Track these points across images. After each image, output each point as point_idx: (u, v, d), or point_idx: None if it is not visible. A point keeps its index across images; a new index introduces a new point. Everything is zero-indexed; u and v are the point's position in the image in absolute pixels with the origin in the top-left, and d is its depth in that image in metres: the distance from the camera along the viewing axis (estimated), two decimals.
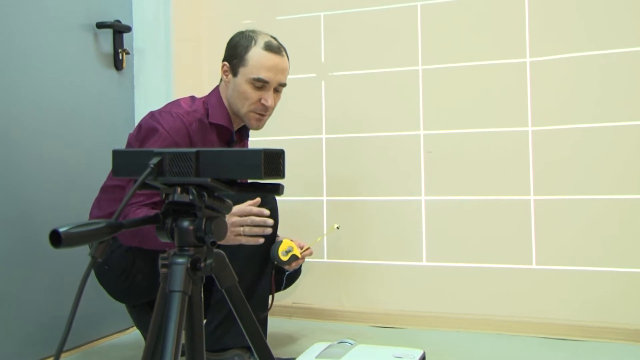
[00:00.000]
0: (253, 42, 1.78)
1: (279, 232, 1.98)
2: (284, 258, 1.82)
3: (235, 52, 1.79)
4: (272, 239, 1.80)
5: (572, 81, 2.20)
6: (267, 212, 1.68)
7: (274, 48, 1.78)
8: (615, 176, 2.14)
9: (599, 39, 2.16)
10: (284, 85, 1.82)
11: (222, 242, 1.56)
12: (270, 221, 1.68)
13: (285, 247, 1.82)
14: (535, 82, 2.24)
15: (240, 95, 1.78)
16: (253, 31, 1.81)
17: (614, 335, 2.08)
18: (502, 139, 2.27)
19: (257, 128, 1.85)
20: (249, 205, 1.66)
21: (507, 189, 2.27)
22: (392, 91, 2.42)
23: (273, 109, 1.83)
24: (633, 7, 2.13)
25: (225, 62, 1.82)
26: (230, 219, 1.60)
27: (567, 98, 2.21)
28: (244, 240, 1.65)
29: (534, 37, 2.24)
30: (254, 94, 1.77)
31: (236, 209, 1.63)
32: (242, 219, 1.64)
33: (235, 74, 1.79)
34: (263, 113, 1.80)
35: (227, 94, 1.82)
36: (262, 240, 1.67)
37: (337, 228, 2.10)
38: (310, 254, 1.90)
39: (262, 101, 1.77)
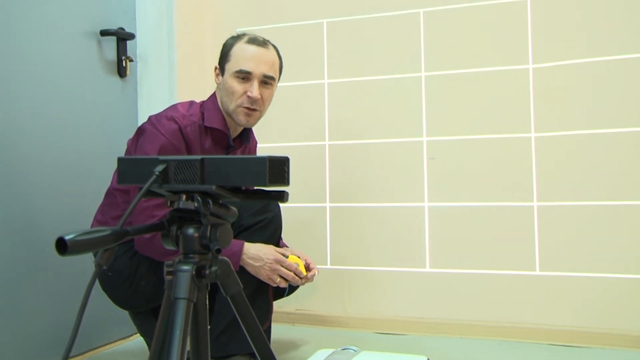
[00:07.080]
0: (238, 39, 1.80)
1: (285, 240, 1.98)
2: None
3: (222, 53, 1.82)
4: (275, 245, 1.80)
5: (575, 87, 2.20)
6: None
7: (257, 41, 1.79)
8: (620, 182, 2.14)
9: (602, 45, 2.16)
10: (271, 78, 1.78)
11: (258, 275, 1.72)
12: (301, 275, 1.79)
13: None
14: (538, 89, 2.24)
15: (228, 91, 1.77)
16: (243, 32, 1.83)
17: (620, 341, 2.07)
18: (505, 145, 2.27)
19: (248, 124, 1.81)
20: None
21: (511, 195, 2.27)
22: (395, 98, 2.42)
23: (265, 105, 1.80)
24: (635, 14, 2.13)
25: (216, 66, 1.84)
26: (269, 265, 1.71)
27: (570, 104, 2.21)
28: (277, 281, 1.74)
29: (537, 44, 2.24)
30: (239, 87, 1.75)
31: (276, 261, 1.72)
32: (278, 267, 1.72)
33: (223, 72, 1.80)
34: (250, 107, 1.76)
35: (220, 96, 1.82)
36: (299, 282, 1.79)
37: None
38: (316, 273, 1.87)
39: (248, 93, 1.74)
